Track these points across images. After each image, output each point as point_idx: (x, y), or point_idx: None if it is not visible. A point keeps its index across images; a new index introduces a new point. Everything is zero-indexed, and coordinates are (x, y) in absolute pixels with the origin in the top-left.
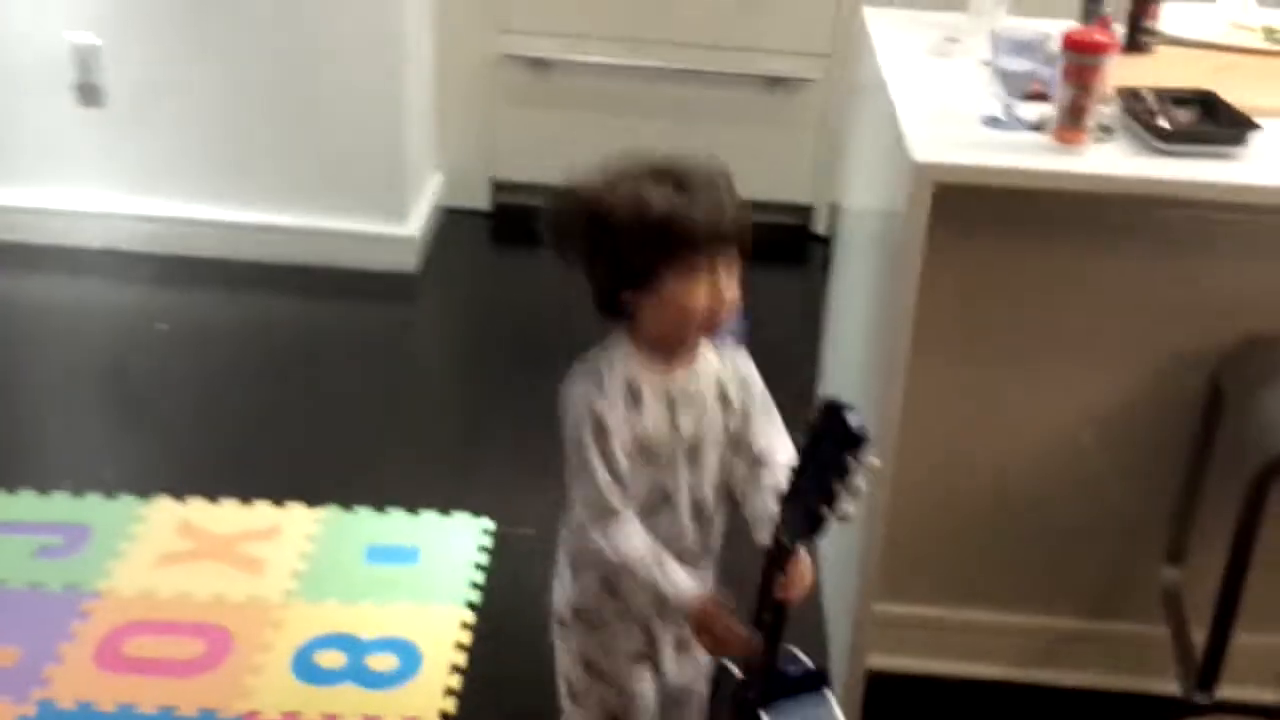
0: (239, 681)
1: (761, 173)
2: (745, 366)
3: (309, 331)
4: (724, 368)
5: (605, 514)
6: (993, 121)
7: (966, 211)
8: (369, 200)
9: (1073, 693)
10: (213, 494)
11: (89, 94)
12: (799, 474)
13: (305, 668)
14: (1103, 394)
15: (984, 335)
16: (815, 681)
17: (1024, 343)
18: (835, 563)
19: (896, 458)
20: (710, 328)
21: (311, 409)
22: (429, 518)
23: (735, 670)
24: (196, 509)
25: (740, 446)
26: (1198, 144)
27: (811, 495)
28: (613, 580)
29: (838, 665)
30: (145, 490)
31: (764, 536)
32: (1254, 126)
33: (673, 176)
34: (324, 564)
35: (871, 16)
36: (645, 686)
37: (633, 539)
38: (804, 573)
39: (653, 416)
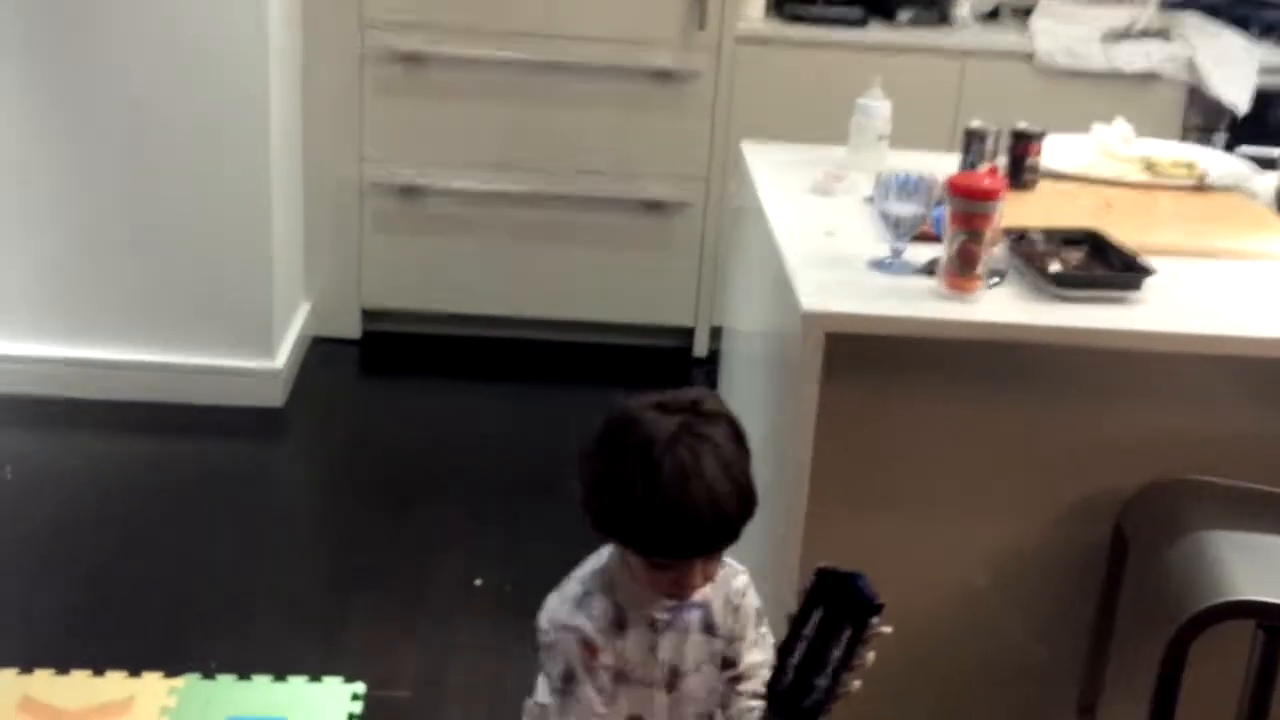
0: None
1: (641, 296)
2: (738, 586)
3: (168, 476)
4: (714, 595)
5: None
6: (880, 265)
7: (859, 356)
8: (234, 334)
9: None
10: (62, 664)
11: None
12: (788, 651)
13: None
14: (1006, 542)
15: (880, 481)
16: None
17: (922, 491)
18: None
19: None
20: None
21: (170, 562)
22: (296, 684)
23: None
24: (42, 682)
25: (725, 664)
26: (1092, 289)
27: (811, 674)
28: None
29: None
30: None
31: None
32: (1148, 270)
33: (682, 457)
34: None
35: (750, 151)
36: None
37: None
38: None
39: (634, 642)
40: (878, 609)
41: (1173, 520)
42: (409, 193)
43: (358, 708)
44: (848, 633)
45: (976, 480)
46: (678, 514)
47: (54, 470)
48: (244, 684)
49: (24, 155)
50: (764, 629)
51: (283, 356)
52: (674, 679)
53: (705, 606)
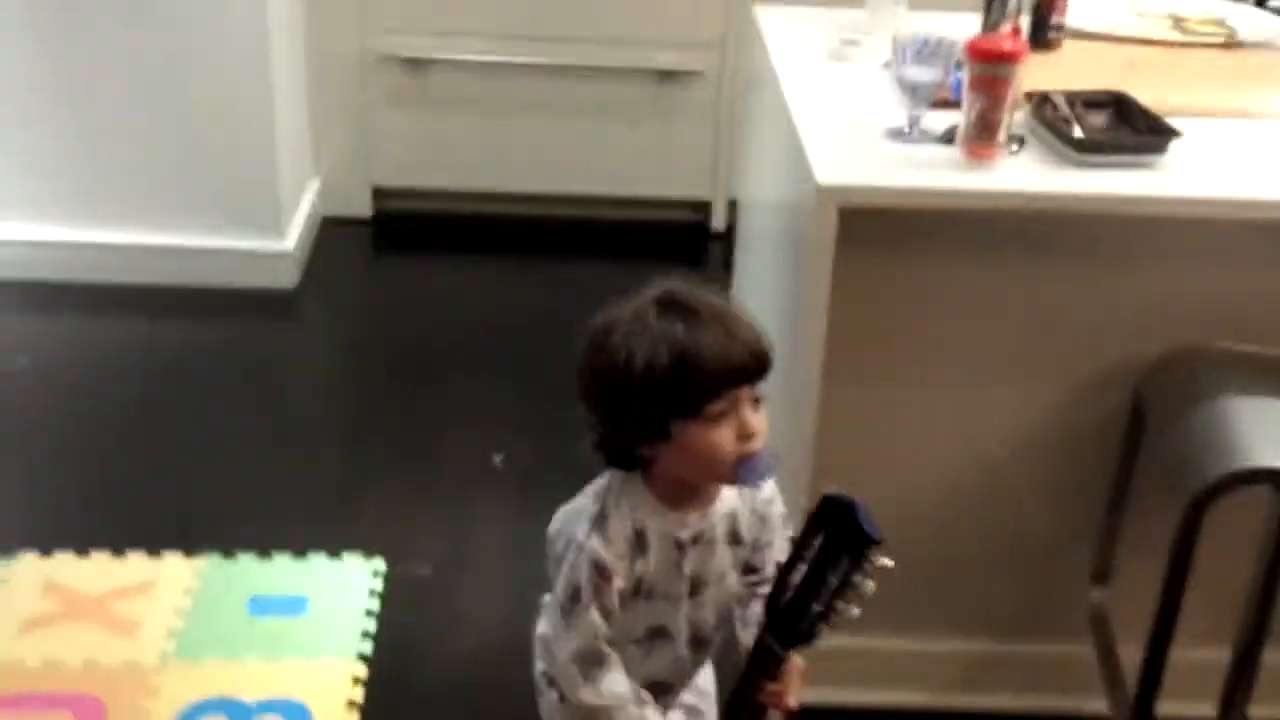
0: None
1: (655, 170)
2: (765, 495)
3: (181, 359)
4: (740, 503)
5: (593, 660)
6: (898, 134)
7: (874, 227)
8: (242, 214)
9: (995, 716)
10: (82, 546)
11: None
12: (789, 572)
13: None
14: (1023, 412)
15: (897, 355)
16: None
17: (939, 362)
18: None
19: (810, 485)
20: (740, 470)
21: (186, 444)
22: (317, 562)
23: None
24: (63, 565)
25: (748, 569)
26: (1116, 154)
27: (808, 598)
28: (574, 711)
29: None
30: (7, 546)
31: (748, 637)
32: (1173, 133)
33: (679, 310)
34: (203, 620)
35: (764, 15)
36: None
37: (616, 684)
38: (796, 679)
39: (656, 561)
40: (876, 543)
41: (1192, 388)
42: (415, 65)
43: (379, 584)
44: (845, 563)
45: (994, 350)
46: (705, 339)
47: (67, 355)
48: (265, 563)
49: (21, 38)
50: (790, 532)
51: (293, 237)
52: (696, 587)
53: (733, 515)
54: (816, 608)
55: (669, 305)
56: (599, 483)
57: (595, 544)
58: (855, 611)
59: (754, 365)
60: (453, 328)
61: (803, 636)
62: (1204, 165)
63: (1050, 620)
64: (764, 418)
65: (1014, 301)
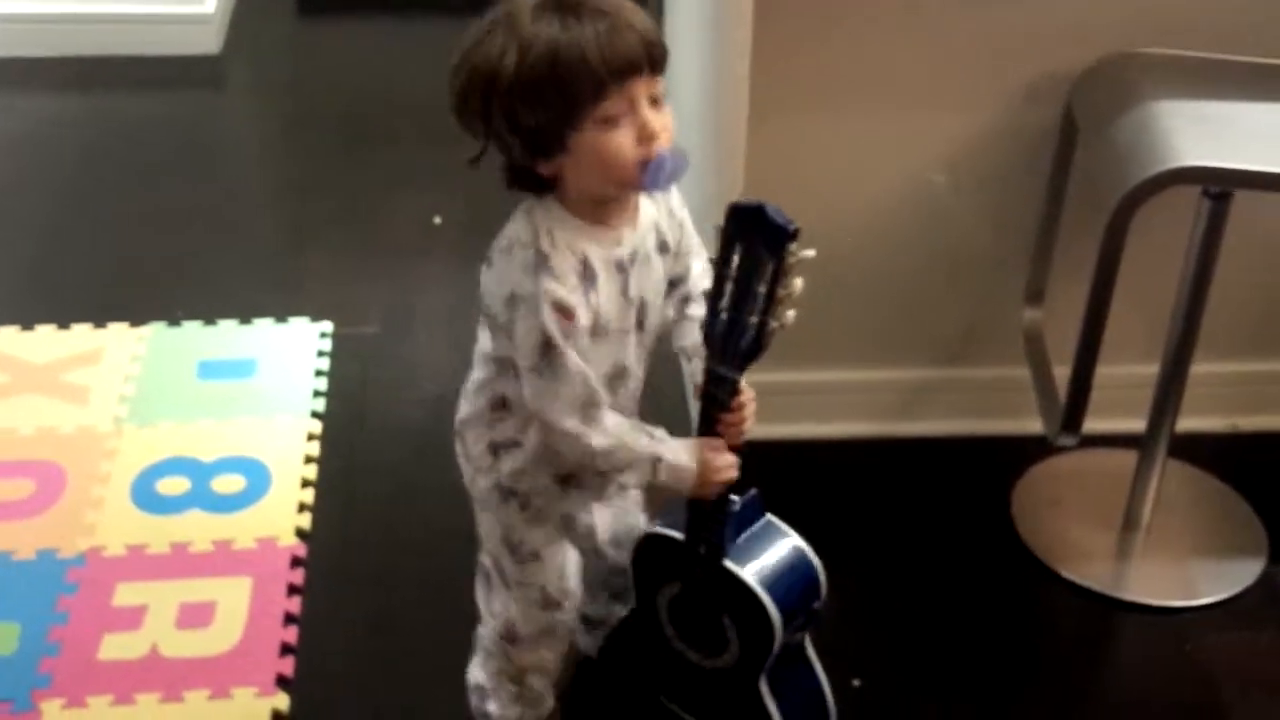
0: (78, 518)
1: None
2: (675, 203)
3: (110, 130)
4: (659, 211)
5: (587, 405)
6: None
7: None
8: None
9: (935, 442)
10: (26, 320)
11: None
12: (717, 295)
13: (147, 497)
14: (953, 134)
15: (823, 83)
16: (758, 509)
17: (866, 87)
18: None
19: None
20: (645, 174)
21: (124, 217)
22: (263, 326)
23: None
24: (8, 338)
25: (674, 288)
26: None
27: (742, 314)
28: (592, 463)
29: None
30: None
31: (698, 371)
32: None
33: (556, 8)
34: (153, 385)
35: None
36: (570, 556)
37: (615, 419)
38: (748, 405)
39: (606, 292)
40: (792, 235)
41: (1121, 95)
42: None
43: (327, 344)
44: (770, 265)
45: (922, 72)
46: (585, 34)
47: None
48: (211, 329)
49: None
50: (698, 243)
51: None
52: (642, 314)
53: (656, 223)
54: (752, 320)
55: (546, 5)
56: (513, 234)
57: (547, 285)
58: (790, 315)
59: (644, 55)
60: (385, 87)
61: (747, 354)
62: None
63: (988, 344)
64: (668, 116)
65: (941, 21)
